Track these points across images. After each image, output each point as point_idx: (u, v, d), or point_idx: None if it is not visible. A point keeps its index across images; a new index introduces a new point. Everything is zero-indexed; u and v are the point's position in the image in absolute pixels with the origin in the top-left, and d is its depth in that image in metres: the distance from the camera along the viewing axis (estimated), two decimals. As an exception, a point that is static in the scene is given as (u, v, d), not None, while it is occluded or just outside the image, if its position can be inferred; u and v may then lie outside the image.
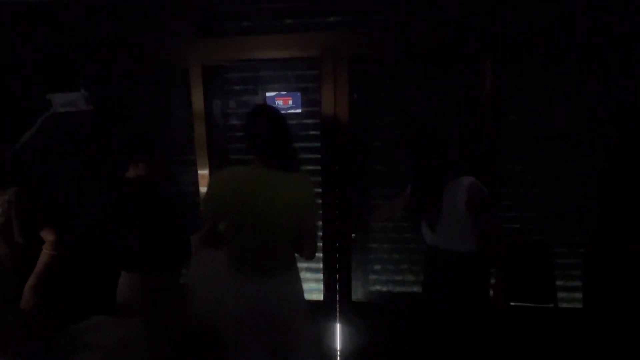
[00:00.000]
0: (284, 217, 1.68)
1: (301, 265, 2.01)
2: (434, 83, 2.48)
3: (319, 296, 2.68)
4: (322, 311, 2.62)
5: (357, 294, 2.73)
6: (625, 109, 2.31)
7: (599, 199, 2.43)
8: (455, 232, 1.82)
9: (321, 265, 2.63)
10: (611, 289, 2.28)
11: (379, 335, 2.57)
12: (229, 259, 1.78)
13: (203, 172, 2.60)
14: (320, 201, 2.53)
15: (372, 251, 2.74)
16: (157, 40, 2.53)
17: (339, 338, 2.67)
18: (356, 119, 2.52)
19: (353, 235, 2.57)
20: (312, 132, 2.62)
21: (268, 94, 2.60)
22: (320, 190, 2.53)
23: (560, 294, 2.48)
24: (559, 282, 2.47)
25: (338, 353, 2.68)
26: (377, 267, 2.75)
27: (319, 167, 2.56)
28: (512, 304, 2.41)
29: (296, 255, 1.84)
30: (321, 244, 2.58)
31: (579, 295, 2.48)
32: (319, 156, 2.57)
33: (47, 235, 2.00)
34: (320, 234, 2.56)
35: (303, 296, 1.89)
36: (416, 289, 2.66)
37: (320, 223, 2.55)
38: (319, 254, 2.60)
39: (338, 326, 2.66)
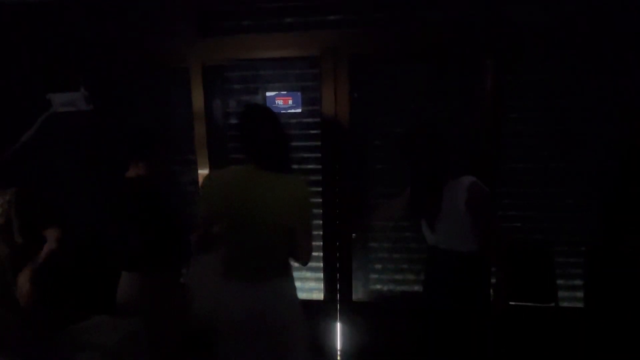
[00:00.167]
0: (274, 219, 1.61)
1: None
2: (434, 82, 2.47)
3: (320, 296, 2.68)
4: (322, 311, 2.62)
5: (358, 293, 2.73)
6: (626, 108, 2.30)
7: (600, 198, 2.42)
8: (455, 231, 1.81)
9: (321, 265, 2.63)
10: (612, 288, 2.28)
11: (380, 335, 2.58)
12: (222, 261, 1.74)
13: (203, 172, 2.60)
14: (320, 200, 2.53)
15: (372, 250, 2.74)
16: (157, 40, 2.53)
17: (339, 337, 2.67)
18: (356, 118, 2.52)
19: (353, 234, 2.57)
20: (312, 132, 2.62)
21: (268, 94, 2.60)
22: (320, 189, 2.53)
23: (561, 293, 2.47)
24: (559, 282, 2.46)
25: (339, 352, 2.68)
26: (378, 266, 2.75)
27: (319, 167, 2.56)
28: (512, 303, 2.40)
29: (291, 261, 1.76)
30: (321, 244, 2.58)
31: (580, 294, 2.47)
32: (319, 155, 2.57)
33: (49, 234, 2.00)
34: (321, 233, 2.56)
35: (297, 302, 1.80)
36: (417, 288, 2.65)
37: (321, 223, 2.55)
38: (320, 254, 2.60)
39: (338, 325, 2.66)
